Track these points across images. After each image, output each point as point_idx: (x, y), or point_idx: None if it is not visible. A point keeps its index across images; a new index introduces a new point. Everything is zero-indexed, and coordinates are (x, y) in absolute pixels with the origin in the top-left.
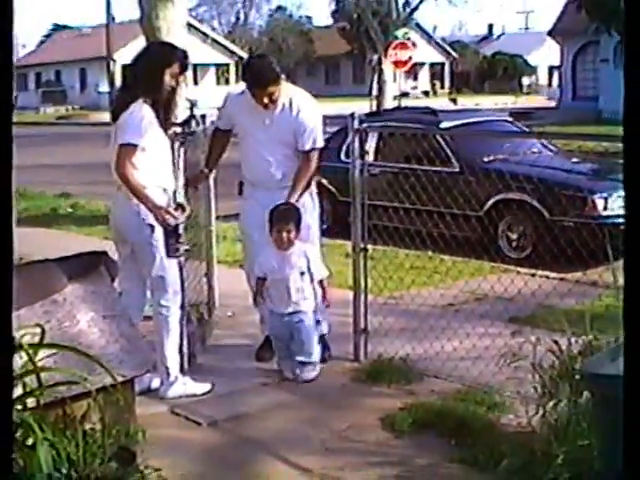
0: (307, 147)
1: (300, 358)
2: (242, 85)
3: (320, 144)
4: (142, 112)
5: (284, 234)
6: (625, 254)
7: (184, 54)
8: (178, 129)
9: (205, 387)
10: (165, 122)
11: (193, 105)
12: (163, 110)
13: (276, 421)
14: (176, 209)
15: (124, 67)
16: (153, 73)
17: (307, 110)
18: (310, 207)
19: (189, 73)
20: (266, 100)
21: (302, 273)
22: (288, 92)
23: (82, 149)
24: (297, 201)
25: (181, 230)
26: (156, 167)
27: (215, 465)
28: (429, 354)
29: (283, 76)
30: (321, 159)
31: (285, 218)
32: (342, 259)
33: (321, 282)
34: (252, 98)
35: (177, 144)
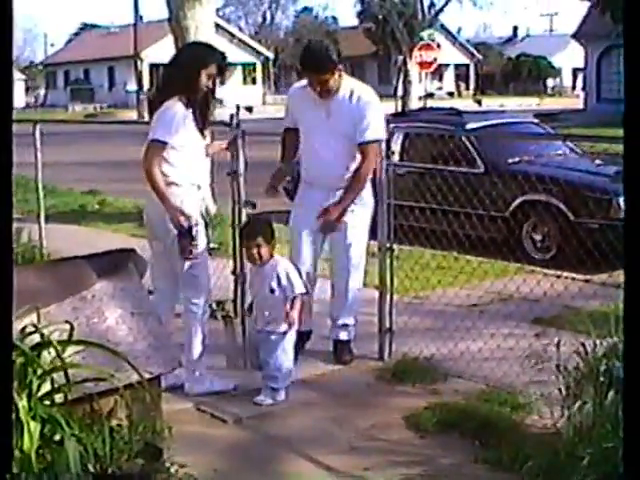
0: (368, 138)
1: (266, 380)
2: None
3: (382, 136)
4: (174, 110)
5: (253, 250)
6: (625, 254)
7: (222, 56)
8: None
9: (229, 384)
10: (201, 121)
11: (221, 102)
12: (199, 110)
13: (301, 419)
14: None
15: (156, 67)
16: (190, 72)
17: (368, 100)
18: (369, 203)
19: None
20: (320, 88)
21: (271, 290)
22: (349, 83)
23: (109, 147)
24: (354, 199)
25: (195, 232)
26: (189, 165)
27: (240, 462)
28: (454, 354)
29: (341, 67)
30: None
31: (253, 233)
32: (368, 258)
33: (293, 299)
34: (311, 89)
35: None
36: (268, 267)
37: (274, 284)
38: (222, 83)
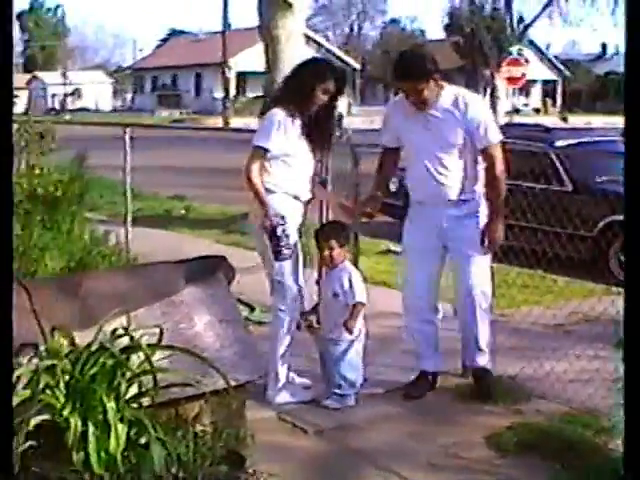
0: (490, 140)
1: (331, 387)
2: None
3: (499, 137)
4: (275, 118)
5: (325, 252)
6: (625, 254)
7: (342, 74)
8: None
9: (309, 396)
10: (318, 138)
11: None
12: (313, 124)
13: (382, 433)
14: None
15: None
16: (304, 85)
17: (476, 104)
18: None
19: None
20: (414, 98)
21: (335, 295)
22: (451, 90)
23: (195, 153)
24: (502, 204)
25: (280, 233)
26: (288, 175)
27: (320, 474)
28: (538, 374)
29: (437, 76)
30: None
31: (327, 235)
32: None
33: (354, 307)
34: (408, 102)
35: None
36: (336, 271)
37: (338, 289)
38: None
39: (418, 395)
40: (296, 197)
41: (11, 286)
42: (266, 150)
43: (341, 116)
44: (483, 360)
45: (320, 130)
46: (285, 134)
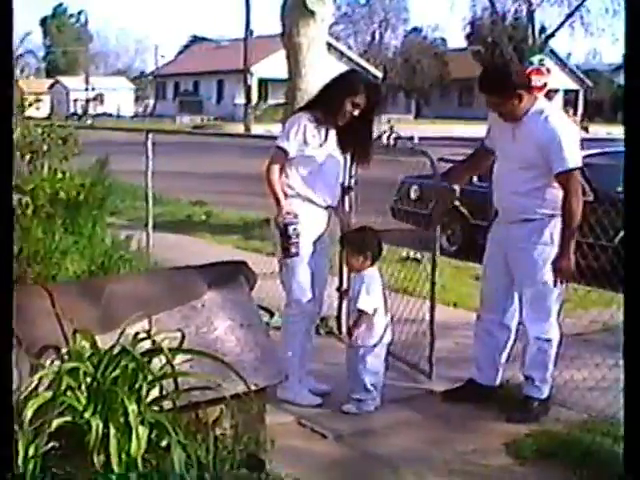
0: (565, 166)
1: (350, 392)
2: None
3: (577, 164)
4: (298, 120)
5: (348, 258)
6: (625, 254)
7: (375, 90)
8: None
9: (315, 400)
10: (346, 148)
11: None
12: (349, 135)
13: (401, 438)
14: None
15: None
16: (334, 97)
17: (558, 124)
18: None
19: None
20: (498, 111)
21: (350, 301)
22: (541, 106)
23: (216, 159)
24: (573, 237)
25: (291, 231)
26: (307, 180)
27: (339, 479)
28: (557, 382)
29: (522, 92)
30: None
31: (347, 241)
32: (472, 281)
33: (360, 313)
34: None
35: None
36: (359, 277)
37: (352, 295)
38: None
39: (455, 400)
40: (312, 202)
41: (11, 287)
42: (285, 152)
43: (392, 126)
44: (527, 390)
45: (356, 141)
46: (305, 138)
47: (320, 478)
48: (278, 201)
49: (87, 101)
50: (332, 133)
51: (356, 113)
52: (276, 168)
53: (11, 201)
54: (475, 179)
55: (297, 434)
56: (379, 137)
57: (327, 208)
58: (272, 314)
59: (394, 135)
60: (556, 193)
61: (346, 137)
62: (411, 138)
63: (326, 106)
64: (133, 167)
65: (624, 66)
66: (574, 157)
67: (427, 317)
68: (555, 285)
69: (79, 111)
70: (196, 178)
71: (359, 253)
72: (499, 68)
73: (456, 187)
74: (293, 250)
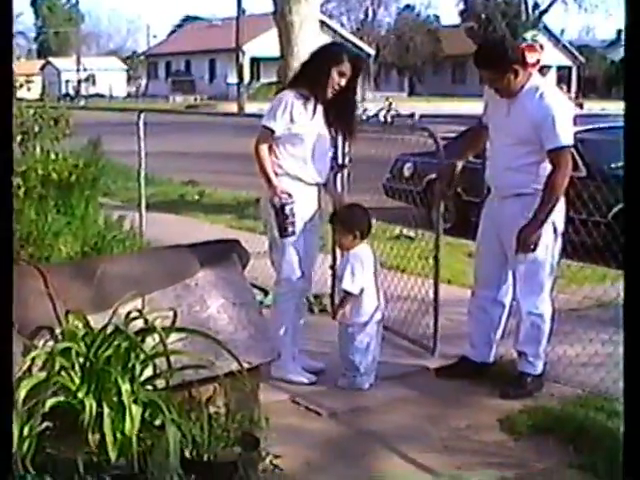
0: (557, 144)
1: (343, 369)
2: None
3: (569, 141)
4: (284, 98)
5: (340, 236)
6: (625, 253)
7: (358, 58)
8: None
9: (309, 378)
10: (338, 121)
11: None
12: (333, 109)
13: (395, 415)
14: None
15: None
16: (321, 68)
17: (552, 101)
18: (559, 225)
19: None
20: (494, 86)
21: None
22: (535, 83)
23: (209, 138)
24: (549, 213)
25: (288, 211)
26: (296, 158)
27: (334, 456)
28: (551, 358)
29: (517, 67)
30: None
31: (337, 219)
32: (465, 258)
33: (345, 293)
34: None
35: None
36: (345, 257)
37: (339, 273)
38: (352, 85)
39: (450, 376)
40: (302, 180)
41: (11, 282)
42: (272, 131)
43: (390, 103)
44: (521, 366)
45: (340, 115)
46: (292, 116)
47: (315, 455)
48: (270, 181)
49: (79, 82)
50: (319, 109)
51: (343, 83)
52: (264, 147)
53: (11, 186)
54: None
55: (292, 412)
56: (376, 115)
57: (317, 186)
58: (266, 293)
59: (393, 112)
60: (548, 168)
61: (332, 111)
62: (412, 115)
63: (313, 79)
64: (126, 148)
65: (624, 36)
66: (566, 135)
67: (421, 294)
68: (516, 253)
69: (71, 92)
70: (189, 158)
71: (347, 231)
72: (495, 43)
73: (458, 164)
74: (290, 229)
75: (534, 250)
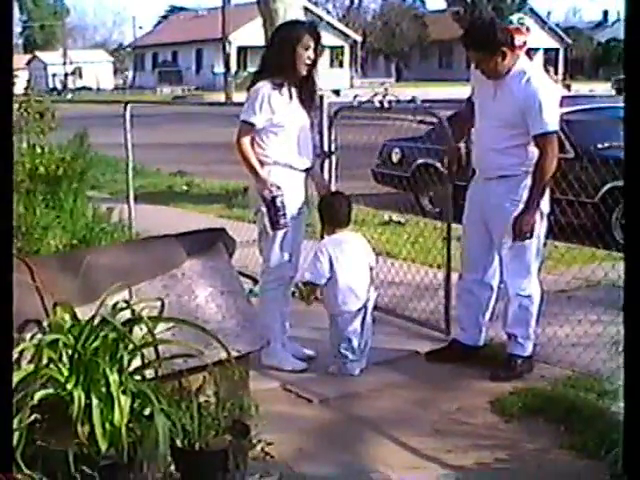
0: (543, 129)
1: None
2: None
3: (554, 127)
4: (261, 91)
5: (322, 224)
6: (625, 253)
7: (313, 27)
8: None
9: (299, 365)
10: (308, 99)
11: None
12: (305, 86)
13: (386, 401)
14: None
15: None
16: (286, 49)
17: (539, 86)
18: (545, 207)
19: None
20: (481, 67)
21: None
22: (522, 66)
23: (197, 129)
24: (540, 198)
25: (279, 204)
26: (281, 146)
27: (326, 442)
28: (540, 340)
29: (505, 49)
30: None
31: (319, 206)
32: (456, 243)
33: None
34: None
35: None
36: (317, 245)
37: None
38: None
39: (440, 360)
40: (291, 167)
41: (11, 283)
42: (252, 125)
43: (386, 88)
44: (510, 347)
45: (308, 95)
46: (271, 107)
47: (306, 441)
48: (258, 174)
49: (66, 75)
50: (294, 92)
51: (312, 56)
52: (246, 141)
53: (11, 177)
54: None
55: (283, 399)
56: (370, 101)
57: (305, 172)
58: (256, 281)
59: (390, 97)
60: (533, 151)
61: (304, 89)
62: (412, 100)
63: (282, 64)
64: (113, 140)
65: (624, 30)
66: (553, 120)
67: (410, 279)
68: (514, 241)
69: (58, 86)
70: (177, 149)
71: (325, 220)
72: (484, 24)
73: (461, 145)
74: (282, 221)
75: (531, 236)
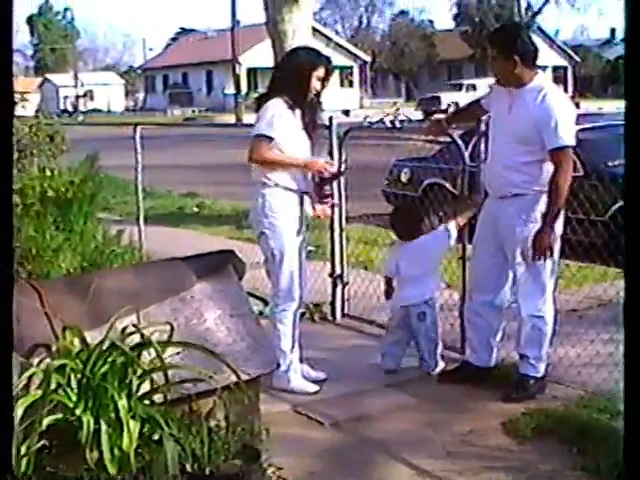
0: (559, 144)
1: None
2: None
3: (571, 142)
4: (274, 107)
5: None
6: (625, 253)
7: (328, 59)
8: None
9: (311, 388)
10: (311, 125)
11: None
12: (309, 113)
13: (398, 423)
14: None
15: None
16: (300, 75)
17: (555, 101)
18: (558, 226)
19: None
20: (496, 70)
21: None
22: (539, 82)
23: (208, 150)
24: (557, 215)
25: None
26: (281, 169)
27: (336, 465)
28: (552, 360)
29: (517, 58)
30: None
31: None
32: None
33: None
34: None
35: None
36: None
37: None
38: (325, 87)
39: (452, 381)
40: (291, 190)
41: (12, 288)
42: (270, 138)
43: (398, 108)
44: (522, 368)
45: (313, 118)
46: (281, 124)
47: (318, 465)
48: (299, 164)
49: (77, 98)
50: (298, 114)
51: (319, 87)
52: (264, 151)
53: (11, 200)
54: (467, 159)
55: (294, 422)
56: (381, 121)
57: (305, 193)
58: (266, 303)
59: (402, 117)
60: (547, 170)
61: (307, 115)
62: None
63: (294, 86)
64: (124, 162)
65: (624, 37)
66: (569, 135)
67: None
68: (533, 260)
69: (69, 108)
70: (188, 170)
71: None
72: (511, 26)
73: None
74: (331, 199)
75: (552, 255)
